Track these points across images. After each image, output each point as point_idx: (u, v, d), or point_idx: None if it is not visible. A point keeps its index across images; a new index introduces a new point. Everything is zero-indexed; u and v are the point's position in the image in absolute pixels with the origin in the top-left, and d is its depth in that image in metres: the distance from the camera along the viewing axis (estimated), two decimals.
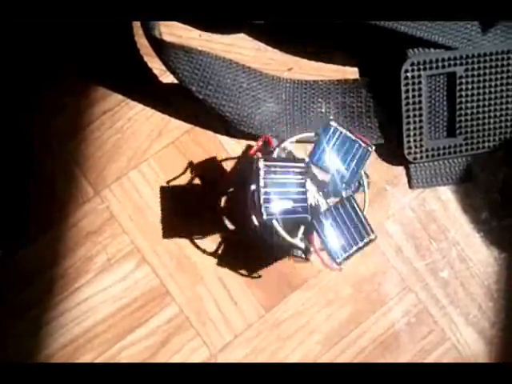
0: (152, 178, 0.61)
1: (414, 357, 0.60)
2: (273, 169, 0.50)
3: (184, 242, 0.61)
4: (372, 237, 0.51)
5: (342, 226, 0.51)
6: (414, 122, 0.60)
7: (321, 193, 0.54)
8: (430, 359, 0.60)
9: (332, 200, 0.54)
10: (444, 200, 0.62)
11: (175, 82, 0.59)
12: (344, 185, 0.52)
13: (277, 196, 0.49)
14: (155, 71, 0.63)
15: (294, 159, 0.54)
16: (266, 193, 0.49)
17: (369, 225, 0.51)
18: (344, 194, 0.52)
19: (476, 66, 0.59)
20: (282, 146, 0.54)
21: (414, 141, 0.61)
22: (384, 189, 0.63)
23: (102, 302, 0.60)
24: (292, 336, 0.60)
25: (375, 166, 0.63)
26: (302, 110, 0.62)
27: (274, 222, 0.50)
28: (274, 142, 0.55)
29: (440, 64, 0.59)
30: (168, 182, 0.61)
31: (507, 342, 0.60)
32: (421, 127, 0.61)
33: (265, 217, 0.48)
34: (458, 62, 0.59)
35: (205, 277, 0.60)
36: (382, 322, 0.60)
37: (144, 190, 0.61)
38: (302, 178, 0.50)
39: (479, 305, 0.61)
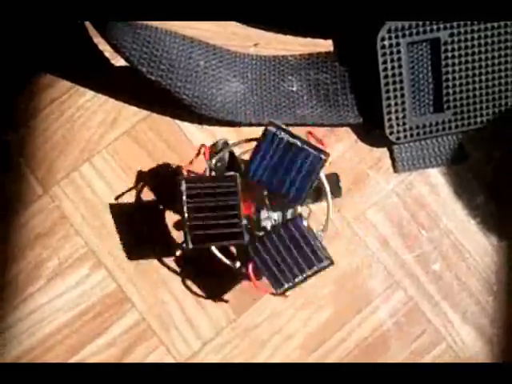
0: (106, 172, 0.56)
1: (406, 360, 0.55)
2: (198, 191, 0.43)
3: (143, 242, 0.55)
4: (324, 264, 0.45)
5: (284, 253, 0.44)
6: (395, 97, 0.54)
7: (267, 212, 0.47)
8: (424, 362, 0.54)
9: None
10: (433, 184, 0.57)
11: (128, 64, 0.54)
12: (289, 202, 0.44)
13: (203, 222, 0.43)
14: (106, 54, 0.57)
15: (225, 177, 0.46)
16: (190, 219, 0.43)
17: (321, 249, 0.45)
18: (289, 215, 0.45)
19: (463, 30, 0.53)
20: (218, 156, 0.47)
21: (396, 118, 0.55)
22: (366, 174, 0.57)
23: (55, 310, 0.55)
24: (266, 342, 0.54)
25: (355, 149, 0.57)
26: (271, 89, 0.56)
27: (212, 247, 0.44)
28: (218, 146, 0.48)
29: (421, 29, 0.53)
30: (124, 176, 0.56)
31: (509, 340, 0.54)
32: (403, 103, 0.55)
33: (190, 246, 0.42)
34: (441, 26, 0.53)
35: (167, 279, 0.55)
36: (368, 322, 0.55)
37: (98, 185, 0.56)
38: (234, 199, 0.43)
39: (477, 300, 0.55)
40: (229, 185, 0.44)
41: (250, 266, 0.45)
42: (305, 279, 0.45)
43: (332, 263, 0.45)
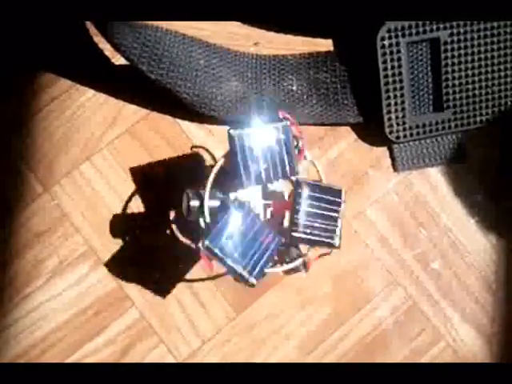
0: (106, 171, 0.56)
1: (405, 359, 0.55)
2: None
3: (143, 240, 0.55)
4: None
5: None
6: (395, 97, 0.54)
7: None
8: (423, 361, 0.55)
9: None
10: (433, 183, 0.57)
11: (128, 63, 0.54)
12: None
13: None
14: (106, 53, 0.57)
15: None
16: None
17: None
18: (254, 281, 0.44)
19: (462, 30, 0.53)
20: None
21: (396, 118, 0.55)
22: (365, 173, 0.57)
23: (55, 308, 0.55)
24: (266, 341, 0.54)
25: (355, 148, 0.57)
26: (271, 88, 0.56)
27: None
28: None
29: (421, 29, 0.53)
30: (124, 175, 0.56)
31: (508, 339, 0.54)
32: (403, 102, 0.55)
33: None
34: (441, 25, 0.53)
35: (167, 278, 0.55)
36: (367, 321, 0.55)
37: (98, 184, 0.56)
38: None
39: (476, 298, 0.55)
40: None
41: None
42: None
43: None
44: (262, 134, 0.44)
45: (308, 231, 0.45)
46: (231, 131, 0.43)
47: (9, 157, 0.56)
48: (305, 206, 0.45)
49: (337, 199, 0.46)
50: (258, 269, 0.43)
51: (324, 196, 0.45)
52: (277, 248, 0.45)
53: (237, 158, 0.43)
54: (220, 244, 0.42)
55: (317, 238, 0.45)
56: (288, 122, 0.44)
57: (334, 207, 0.45)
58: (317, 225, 0.45)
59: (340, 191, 0.46)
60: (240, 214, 0.44)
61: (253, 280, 0.43)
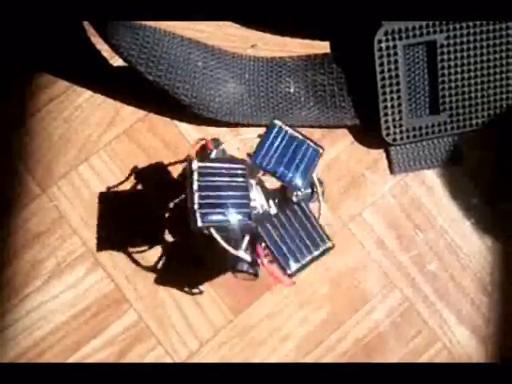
0: (104, 172, 0.56)
1: (402, 360, 0.55)
2: (209, 170, 0.44)
3: (142, 242, 0.55)
4: (329, 245, 0.46)
5: (292, 233, 0.45)
6: (392, 99, 0.55)
7: (270, 200, 0.48)
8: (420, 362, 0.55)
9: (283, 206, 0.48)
10: (429, 185, 0.57)
11: (126, 64, 0.54)
12: (294, 189, 0.46)
13: (214, 200, 0.44)
14: (104, 54, 0.57)
15: (233, 160, 0.48)
16: (200, 197, 0.43)
17: (324, 232, 0.46)
18: (294, 199, 0.46)
19: (459, 33, 0.53)
20: (221, 147, 0.49)
21: (393, 120, 0.55)
22: (362, 175, 0.57)
23: (53, 310, 0.55)
24: (264, 342, 0.54)
25: (351, 151, 0.57)
26: (269, 90, 0.56)
27: (213, 231, 0.44)
28: (214, 143, 0.49)
29: (418, 32, 0.53)
30: (122, 176, 0.56)
31: (503, 340, 0.55)
32: (399, 105, 0.55)
33: (199, 224, 0.43)
34: (437, 28, 0.53)
35: (165, 280, 0.55)
36: (364, 323, 0.55)
37: (95, 185, 0.56)
38: (244, 181, 0.45)
39: (472, 300, 0.56)
40: (238, 166, 0.45)
41: (262, 250, 0.45)
42: (312, 260, 0.45)
43: (333, 246, 0.46)
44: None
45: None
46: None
47: (7, 158, 0.56)
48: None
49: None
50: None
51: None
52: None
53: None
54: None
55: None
56: None
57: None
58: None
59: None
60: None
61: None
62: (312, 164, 0.47)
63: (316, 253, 0.45)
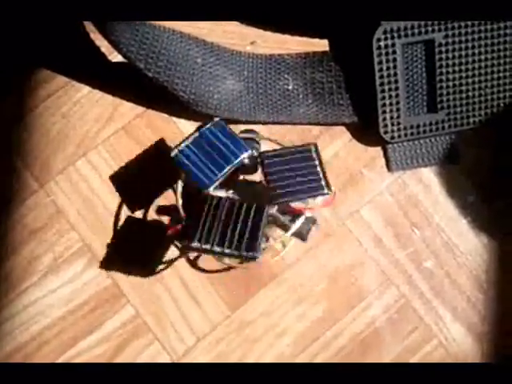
0: (102, 168, 0.56)
1: (398, 357, 0.55)
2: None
3: (139, 238, 0.55)
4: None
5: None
6: (390, 97, 0.55)
7: None
8: (415, 359, 0.55)
9: None
10: (426, 183, 0.57)
11: (126, 60, 0.54)
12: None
13: None
14: (103, 49, 0.57)
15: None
16: None
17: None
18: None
19: (457, 32, 0.53)
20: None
21: (391, 118, 0.55)
22: (359, 172, 0.57)
23: (50, 305, 0.55)
24: (261, 338, 0.55)
25: (349, 148, 0.58)
26: (267, 87, 0.57)
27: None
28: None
29: (416, 30, 0.53)
30: (120, 172, 0.56)
31: (498, 337, 0.55)
32: (397, 103, 0.55)
33: None
34: (436, 27, 0.53)
35: (163, 275, 0.55)
36: (361, 319, 0.55)
37: (93, 181, 0.56)
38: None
39: (468, 297, 0.56)
40: None
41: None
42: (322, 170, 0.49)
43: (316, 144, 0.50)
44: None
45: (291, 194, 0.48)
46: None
47: (4, 153, 0.56)
48: (277, 173, 0.48)
49: (308, 155, 0.49)
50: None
51: (293, 156, 0.48)
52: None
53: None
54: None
55: (303, 194, 0.48)
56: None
57: (309, 162, 0.48)
58: (297, 185, 0.48)
59: (310, 148, 0.49)
60: None
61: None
62: (226, 130, 0.49)
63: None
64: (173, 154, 0.49)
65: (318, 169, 0.49)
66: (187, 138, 0.49)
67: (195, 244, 0.46)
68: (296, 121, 0.57)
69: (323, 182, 0.48)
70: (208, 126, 0.50)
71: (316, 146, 0.50)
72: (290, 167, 0.48)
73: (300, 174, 0.48)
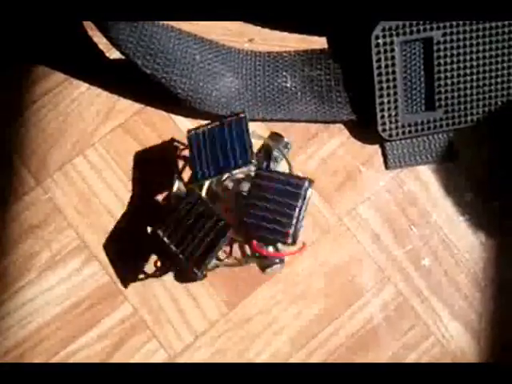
0: (99, 165, 0.56)
1: (395, 355, 0.55)
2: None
3: (136, 235, 0.55)
4: (306, 185, 0.47)
5: (270, 200, 0.47)
6: (388, 95, 0.55)
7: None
8: (413, 356, 0.55)
9: None
10: (424, 181, 0.57)
11: (124, 57, 0.54)
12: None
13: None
14: (101, 46, 0.57)
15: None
16: None
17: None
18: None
19: (455, 30, 0.53)
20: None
21: (389, 116, 0.55)
22: (357, 170, 0.57)
23: (47, 302, 0.55)
24: (258, 336, 0.55)
25: (347, 146, 0.57)
26: (265, 85, 0.57)
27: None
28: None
29: (414, 28, 0.53)
30: (117, 169, 0.56)
31: (496, 335, 0.55)
32: (396, 100, 0.55)
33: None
34: (434, 25, 0.53)
35: (161, 272, 0.55)
36: (358, 317, 0.55)
37: (91, 178, 0.56)
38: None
39: (465, 295, 0.56)
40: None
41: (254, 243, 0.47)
42: (300, 214, 0.46)
43: (312, 180, 0.47)
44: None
45: (259, 221, 0.46)
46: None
47: (2, 150, 0.56)
48: (257, 197, 0.46)
49: (297, 191, 0.46)
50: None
51: (283, 187, 0.46)
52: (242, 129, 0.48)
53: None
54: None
55: (265, 232, 0.46)
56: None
57: (291, 201, 0.46)
58: (269, 217, 0.45)
59: (302, 184, 0.46)
60: None
61: None
62: (244, 135, 0.47)
63: (299, 203, 0.46)
64: (188, 134, 0.49)
65: (297, 213, 0.46)
66: (208, 125, 0.49)
67: (159, 232, 0.46)
68: (294, 118, 0.57)
69: (291, 230, 0.46)
70: (230, 118, 0.49)
71: (310, 184, 0.48)
72: (272, 198, 0.47)
73: (277, 210, 0.46)
